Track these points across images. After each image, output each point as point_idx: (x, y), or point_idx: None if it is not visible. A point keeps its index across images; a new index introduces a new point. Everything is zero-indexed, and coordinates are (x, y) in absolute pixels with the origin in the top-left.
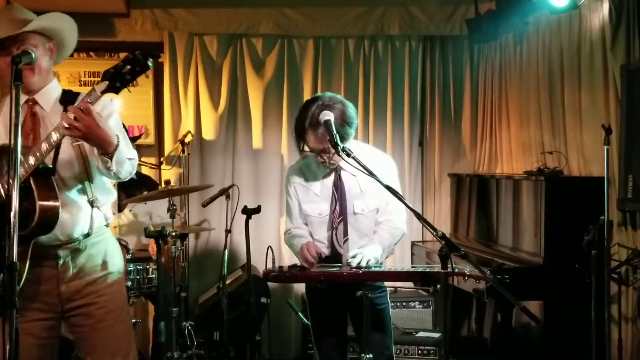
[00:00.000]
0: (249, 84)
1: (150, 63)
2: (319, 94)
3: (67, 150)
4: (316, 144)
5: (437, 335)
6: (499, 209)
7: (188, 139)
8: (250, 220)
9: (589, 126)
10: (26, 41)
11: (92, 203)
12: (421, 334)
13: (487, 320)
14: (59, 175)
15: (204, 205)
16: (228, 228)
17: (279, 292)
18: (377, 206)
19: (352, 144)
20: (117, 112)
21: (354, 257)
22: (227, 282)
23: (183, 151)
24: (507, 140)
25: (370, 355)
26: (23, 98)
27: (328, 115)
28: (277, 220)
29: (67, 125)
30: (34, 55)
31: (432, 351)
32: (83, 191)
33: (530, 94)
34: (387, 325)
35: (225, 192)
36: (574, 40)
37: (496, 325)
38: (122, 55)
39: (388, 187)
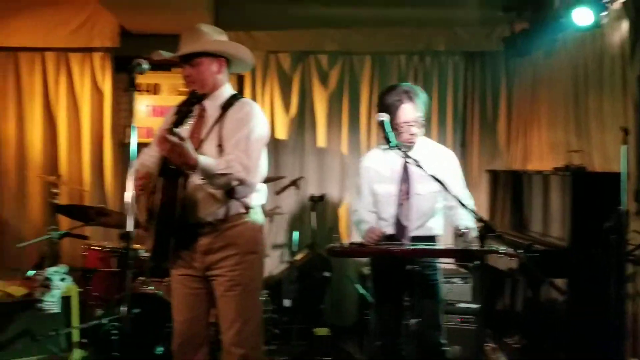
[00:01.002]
0: (315, 93)
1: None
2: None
3: (210, 151)
4: (412, 113)
5: (475, 306)
6: (530, 201)
7: None
8: (315, 206)
9: (610, 128)
10: (197, 59)
11: (229, 194)
12: (461, 305)
13: (519, 296)
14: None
15: (277, 193)
16: (297, 213)
17: (339, 267)
18: (436, 190)
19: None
20: (253, 129)
21: (467, 228)
22: (296, 258)
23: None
24: (537, 140)
25: (415, 320)
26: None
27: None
28: (337, 206)
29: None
30: (143, 66)
31: (470, 320)
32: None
33: (558, 100)
34: (438, 299)
35: (295, 182)
36: (597, 54)
37: (527, 300)
38: None
39: (432, 176)
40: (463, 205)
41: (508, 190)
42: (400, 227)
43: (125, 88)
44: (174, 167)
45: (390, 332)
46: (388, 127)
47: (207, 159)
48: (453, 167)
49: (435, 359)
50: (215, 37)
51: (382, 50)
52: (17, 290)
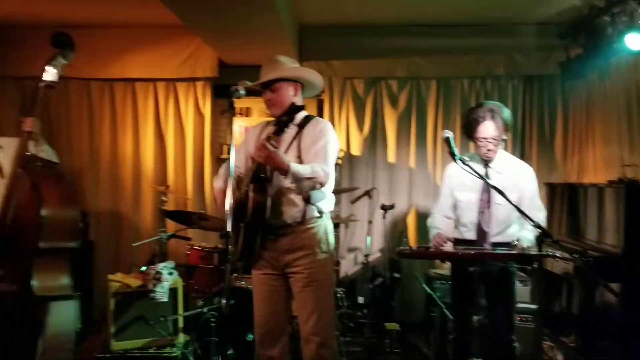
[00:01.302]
0: (385, 114)
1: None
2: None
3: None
4: (491, 131)
5: (533, 307)
6: (586, 211)
7: (340, 154)
8: (386, 214)
9: None
10: (276, 84)
11: (306, 200)
12: (520, 305)
13: (575, 298)
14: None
15: (352, 202)
16: (370, 220)
17: (408, 268)
18: (514, 201)
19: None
20: (329, 140)
21: (518, 240)
22: (369, 260)
23: (337, 164)
24: (592, 155)
25: (484, 318)
26: (273, 121)
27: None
28: (406, 213)
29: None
30: (240, 92)
31: (529, 319)
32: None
33: (612, 118)
34: (510, 298)
35: (368, 193)
36: None
37: (582, 302)
38: None
39: (494, 187)
40: (526, 216)
41: (565, 201)
42: (481, 232)
43: (222, 111)
44: (264, 175)
45: (462, 328)
46: (452, 143)
47: (297, 165)
48: (530, 180)
49: (505, 355)
50: (290, 65)
51: (446, 75)
52: (133, 281)
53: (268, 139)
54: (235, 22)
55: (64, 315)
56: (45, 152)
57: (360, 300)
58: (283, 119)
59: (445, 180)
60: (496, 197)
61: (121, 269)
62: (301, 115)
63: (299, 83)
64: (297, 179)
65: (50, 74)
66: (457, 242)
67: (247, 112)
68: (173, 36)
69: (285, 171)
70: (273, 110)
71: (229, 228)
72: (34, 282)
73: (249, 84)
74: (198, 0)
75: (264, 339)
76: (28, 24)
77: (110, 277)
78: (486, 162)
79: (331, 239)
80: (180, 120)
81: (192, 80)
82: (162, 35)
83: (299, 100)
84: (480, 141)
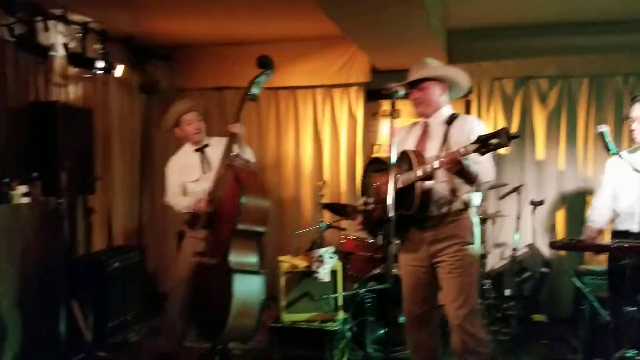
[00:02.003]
0: (534, 113)
1: (509, 144)
2: None
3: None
4: None
5: None
6: None
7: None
8: (535, 210)
9: None
10: (423, 83)
11: (452, 192)
12: None
13: None
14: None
15: (500, 198)
16: (518, 215)
17: (558, 263)
18: None
19: None
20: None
21: None
22: (517, 254)
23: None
24: None
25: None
26: (422, 119)
27: None
28: (555, 209)
29: (444, 161)
30: (399, 93)
31: None
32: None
33: None
34: None
35: (516, 189)
36: None
37: None
38: None
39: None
40: None
41: None
42: None
43: (373, 114)
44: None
45: (616, 321)
46: (607, 137)
47: (480, 170)
48: None
49: None
50: (437, 65)
51: (599, 73)
52: (300, 263)
53: (462, 153)
54: (390, 29)
55: (251, 288)
56: (245, 152)
57: (507, 292)
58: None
59: (606, 173)
60: None
61: (283, 252)
62: (446, 113)
63: (446, 83)
64: (479, 185)
65: (255, 89)
66: (616, 234)
67: (396, 114)
68: (330, 46)
69: (473, 181)
70: (420, 108)
71: (391, 214)
72: (231, 257)
73: (398, 85)
74: (359, 12)
75: (412, 324)
76: (214, 42)
77: (281, 258)
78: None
79: (477, 231)
80: (335, 122)
81: (346, 85)
82: (320, 47)
83: (445, 100)
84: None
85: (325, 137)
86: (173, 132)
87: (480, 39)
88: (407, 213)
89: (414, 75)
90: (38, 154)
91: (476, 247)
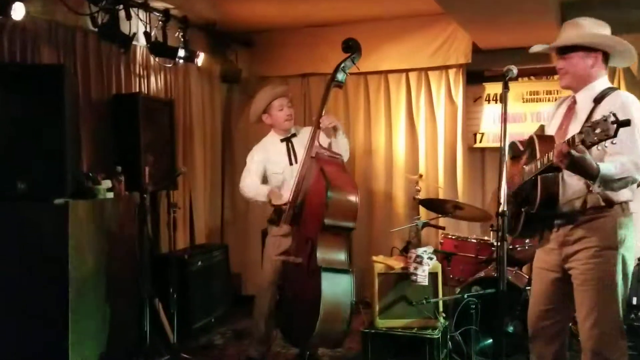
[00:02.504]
0: None
1: (615, 133)
2: None
3: None
4: None
5: None
6: None
7: None
8: None
9: None
10: (571, 52)
11: (588, 186)
12: None
13: None
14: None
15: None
16: None
17: None
18: None
19: None
20: (635, 123)
21: None
22: None
23: None
24: None
25: None
26: (571, 94)
27: None
28: None
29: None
30: (514, 71)
31: None
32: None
33: None
34: None
35: None
36: None
37: None
38: (556, 77)
39: None
40: None
41: None
42: None
43: (474, 99)
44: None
45: None
46: None
47: (606, 166)
48: None
49: None
50: (594, 30)
51: None
52: (396, 263)
53: (570, 143)
54: (498, 2)
55: (341, 287)
56: (339, 143)
57: (634, 301)
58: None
59: None
60: None
61: (373, 252)
62: (599, 87)
63: (600, 52)
64: (606, 182)
65: (341, 75)
66: None
67: (501, 98)
68: (426, 25)
69: (593, 177)
70: (565, 81)
71: (504, 207)
72: (318, 254)
73: (539, 48)
74: None
75: (536, 335)
76: (297, 25)
77: (374, 258)
78: None
79: (622, 234)
80: (432, 108)
81: (444, 68)
82: (414, 26)
83: (598, 72)
84: None
85: (420, 125)
86: (260, 121)
87: (594, 10)
88: (532, 211)
89: (559, 40)
90: (121, 147)
91: (622, 253)
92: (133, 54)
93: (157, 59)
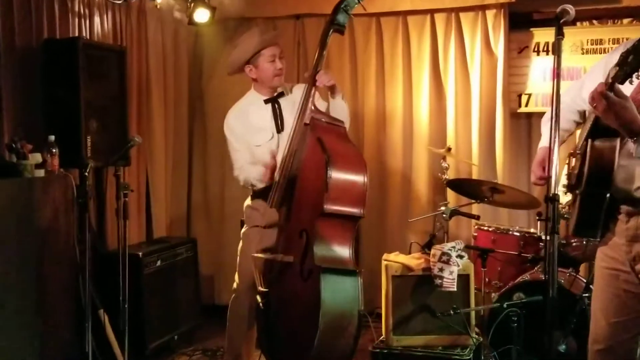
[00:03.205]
0: None
1: None
2: None
3: None
4: None
5: None
6: None
7: None
8: None
9: None
10: None
11: None
12: None
13: None
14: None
15: None
16: None
17: None
18: None
19: None
20: None
21: None
22: None
23: None
24: None
25: None
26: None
27: None
28: None
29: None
30: (571, 13)
31: None
32: None
33: None
34: None
35: None
36: None
37: None
38: (626, 21)
39: None
40: None
41: None
42: None
43: (519, 49)
44: (609, 128)
45: None
46: None
47: None
48: None
49: None
50: None
51: None
52: (414, 263)
53: (608, 85)
54: None
55: (345, 293)
56: (336, 107)
57: None
58: (629, 61)
59: None
60: None
61: (388, 249)
62: None
63: None
64: None
65: (342, 16)
66: None
67: (553, 49)
68: None
69: (634, 132)
70: None
71: (556, 190)
72: (316, 250)
73: None
74: None
75: (604, 356)
76: None
77: (386, 257)
78: None
79: None
80: (464, 62)
81: (480, 8)
82: None
83: None
84: None
85: (449, 84)
86: (239, 72)
87: None
88: (579, 190)
89: None
90: (55, 109)
91: None
92: None
93: None
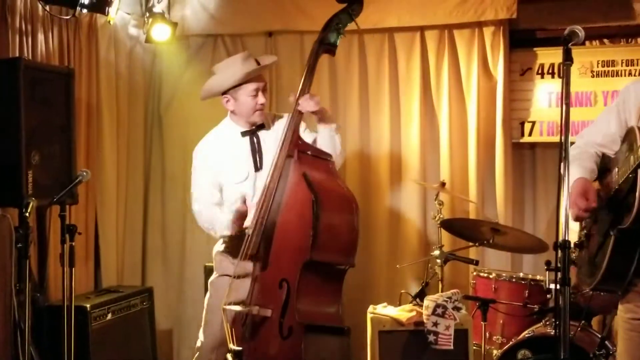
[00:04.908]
0: None
1: None
2: None
3: None
4: None
5: None
6: None
7: None
8: None
9: None
10: None
11: None
12: None
13: None
14: None
15: None
16: None
17: None
18: None
19: None
20: None
21: None
22: None
23: None
24: None
25: None
26: None
27: None
28: None
29: None
30: (580, 34)
31: None
32: None
33: None
34: None
35: None
36: None
37: None
38: None
39: None
40: None
41: None
42: None
43: (521, 71)
44: None
45: None
46: None
47: None
48: None
49: None
50: None
51: None
52: (406, 317)
53: None
54: None
55: (329, 355)
56: (323, 137)
57: None
58: None
59: None
60: None
61: (371, 299)
62: None
63: None
64: None
65: (333, 36)
66: None
67: (559, 71)
68: None
69: None
70: None
71: (566, 236)
72: (299, 305)
73: None
74: None
75: None
76: None
77: (372, 308)
78: None
79: None
80: (459, 85)
81: (476, 25)
82: None
83: None
84: None
85: (442, 109)
86: (212, 97)
87: None
88: (623, 227)
89: None
90: None
91: None
92: (11, 0)
93: (47, 9)
